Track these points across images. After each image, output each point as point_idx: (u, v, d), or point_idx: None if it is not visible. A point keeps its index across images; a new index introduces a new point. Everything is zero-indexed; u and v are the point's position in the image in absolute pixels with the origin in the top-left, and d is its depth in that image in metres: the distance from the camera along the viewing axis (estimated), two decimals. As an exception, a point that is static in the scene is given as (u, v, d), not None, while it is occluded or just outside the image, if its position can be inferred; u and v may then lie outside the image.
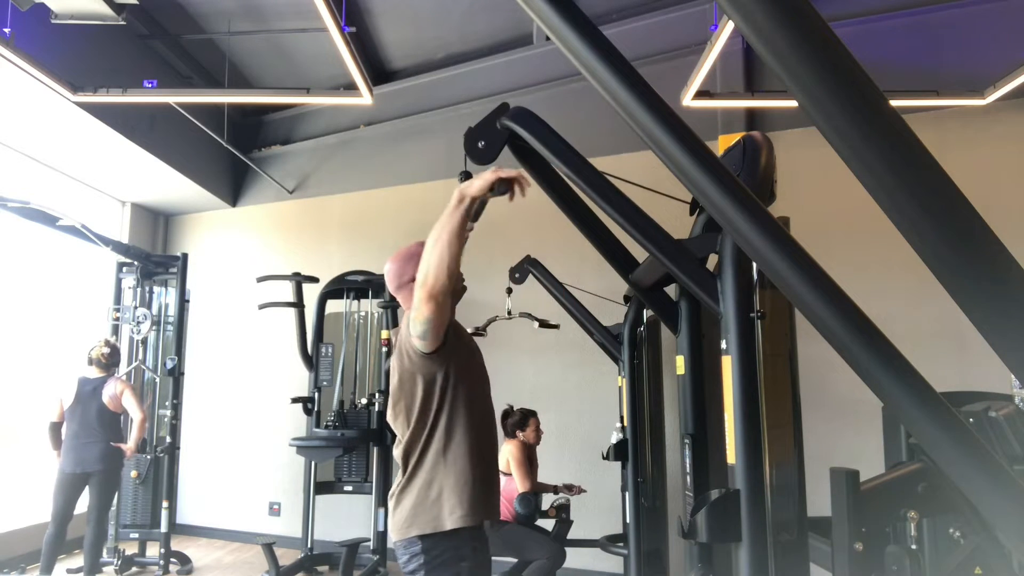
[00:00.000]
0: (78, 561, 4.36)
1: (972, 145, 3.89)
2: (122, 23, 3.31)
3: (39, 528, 4.18)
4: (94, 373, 4.18)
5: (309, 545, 4.63)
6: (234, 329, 5.82)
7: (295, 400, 4.85)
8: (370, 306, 5.06)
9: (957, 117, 3.93)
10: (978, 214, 0.63)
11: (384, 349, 4.70)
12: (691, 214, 1.59)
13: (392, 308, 4.72)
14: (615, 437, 3.35)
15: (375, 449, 4.65)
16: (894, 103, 0.77)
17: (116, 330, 4.90)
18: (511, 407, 3.80)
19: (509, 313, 3.96)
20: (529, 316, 4.13)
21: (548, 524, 3.77)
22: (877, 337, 0.78)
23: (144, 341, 5.01)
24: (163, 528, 4.52)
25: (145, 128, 4.71)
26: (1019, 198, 3.72)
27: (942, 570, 1.17)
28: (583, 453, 4.53)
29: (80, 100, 3.84)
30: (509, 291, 3.85)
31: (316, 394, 4.89)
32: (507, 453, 3.60)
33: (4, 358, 4.81)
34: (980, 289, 0.65)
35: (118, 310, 4.93)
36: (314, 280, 4.93)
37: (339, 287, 4.91)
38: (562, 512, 3.78)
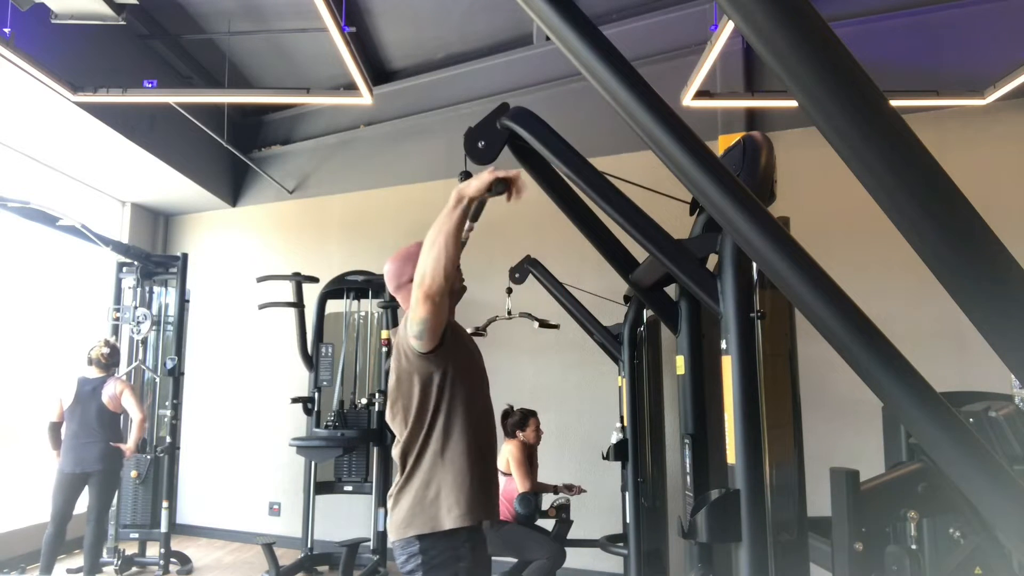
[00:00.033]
0: (78, 561, 4.36)
1: (972, 145, 3.89)
2: (122, 23, 3.31)
3: (39, 528, 4.18)
4: (94, 373, 4.18)
5: (309, 545, 4.63)
6: (234, 329, 5.82)
7: (295, 400, 4.85)
8: (370, 306, 5.06)
9: (957, 117, 3.93)
10: (978, 214, 0.63)
11: (384, 349, 4.70)
12: (691, 214, 1.59)
13: (392, 308, 4.72)
14: (615, 437, 3.35)
15: (375, 449, 4.65)
16: (894, 103, 0.77)
17: (116, 330, 4.90)
18: (511, 407, 3.80)
19: (509, 313, 3.96)
20: (529, 316, 4.13)
21: (548, 524, 3.77)
22: (877, 337, 0.78)
23: (144, 341, 5.01)
24: (163, 528, 4.52)
25: (145, 128, 4.71)
26: (1019, 198, 3.72)
27: (942, 570, 1.17)
28: (583, 453, 4.53)
29: (80, 100, 3.84)
30: (509, 291, 3.85)
31: (316, 394, 4.89)
32: (507, 453, 3.60)
33: (4, 358, 4.81)
34: (980, 289, 0.64)
35: (118, 310, 4.93)
36: (314, 280, 4.93)
37: (339, 287, 4.91)
38: (562, 512, 3.78)
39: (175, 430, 4.66)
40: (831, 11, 3.98)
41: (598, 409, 4.53)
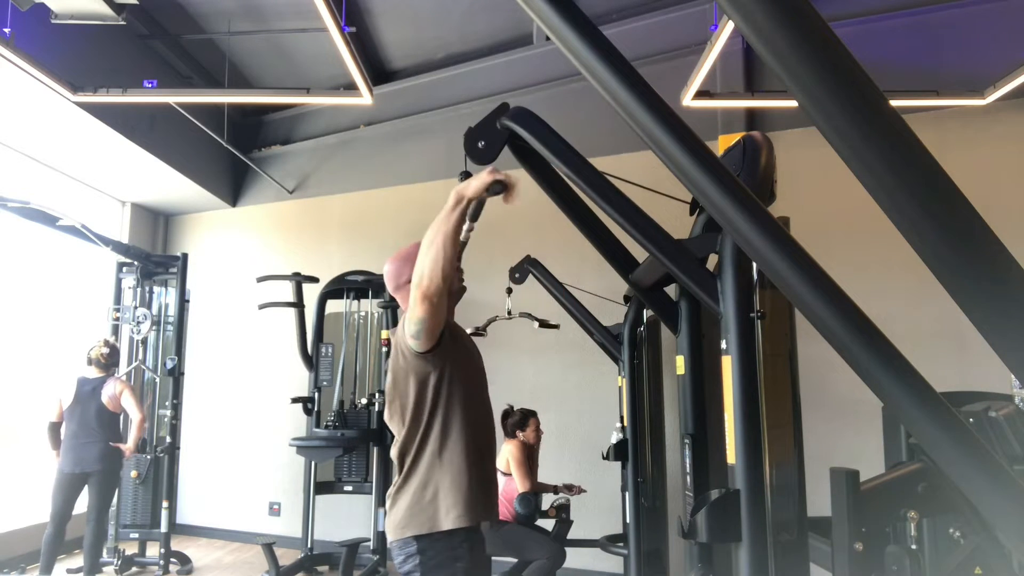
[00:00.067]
0: (78, 561, 4.36)
1: (972, 145, 3.89)
2: (122, 23, 3.31)
3: (39, 528, 4.18)
4: (93, 373, 4.18)
5: (309, 545, 4.63)
6: (234, 329, 5.82)
7: (295, 400, 4.85)
8: (370, 306, 5.06)
9: (957, 117, 3.93)
10: (978, 214, 0.63)
11: (384, 349, 4.70)
12: (691, 214, 1.59)
13: (392, 308, 4.72)
14: (615, 437, 3.35)
15: (375, 449, 4.65)
16: (894, 103, 0.77)
17: (116, 330, 4.90)
18: (511, 407, 3.80)
19: (509, 313, 3.96)
20: (529, 316, 4.13)
21: (548, 524, 3.77)
22: (877, 337, 0.78)
23: (144, 341, 5.01)
24: (163, 528, 4.51)
25: (145, 128, 4.71)
26: (1019, 198, 3.72)
27: (942, 570, 1.17)
28: (583, 453, 4.53)
29: (80, 100, 3.84)
30: (509, 291, 3.85)
31: (316, 394, 4.89)
32: (507, 453, 3.60)
33: (4, 358, 4.81)
34: (980, 289, 0.64)
35: (118, 310, 4.93)
36: (314, 280, 4.93)
37: (339, 287, 4.91)
38: (562, 512, 3.78)
39: (175, 430, 4.66)
40: (831, 11, 3.98)
41: (598, 409, 4.53)
